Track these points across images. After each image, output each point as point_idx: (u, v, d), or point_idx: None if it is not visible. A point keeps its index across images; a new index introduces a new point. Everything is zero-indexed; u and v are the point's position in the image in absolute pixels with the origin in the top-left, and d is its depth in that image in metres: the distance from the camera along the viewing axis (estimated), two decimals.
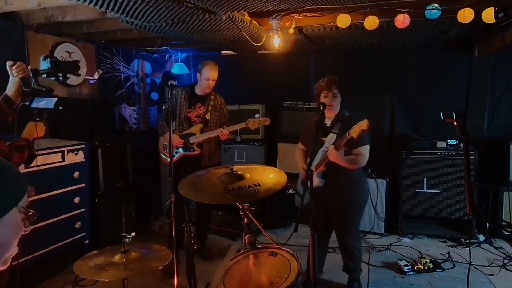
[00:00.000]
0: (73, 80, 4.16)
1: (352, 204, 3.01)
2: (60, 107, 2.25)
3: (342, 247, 3.11)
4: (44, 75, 2.32)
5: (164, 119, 3.70)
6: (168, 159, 3.61)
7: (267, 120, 3.56)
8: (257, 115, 3.60)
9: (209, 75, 3.54)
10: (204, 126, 3.64)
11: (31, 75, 2.25)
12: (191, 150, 3.61)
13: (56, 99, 2.24)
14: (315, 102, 3.11)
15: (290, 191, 3.61)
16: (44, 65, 2.33)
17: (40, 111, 2.21)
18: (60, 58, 3.97)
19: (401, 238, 4.27)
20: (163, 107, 3.87)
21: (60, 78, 2.36)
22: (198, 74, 3.62)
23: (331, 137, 2.88)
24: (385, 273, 3.49)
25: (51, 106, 2.22)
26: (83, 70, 4.29)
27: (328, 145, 2.85)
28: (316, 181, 2.86)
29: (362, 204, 3.07)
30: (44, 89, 2.26)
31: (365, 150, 2.89)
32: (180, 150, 3.62)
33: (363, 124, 2.64)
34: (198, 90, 3.66)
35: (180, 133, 3.60)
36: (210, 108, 3.65)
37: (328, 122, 2.99)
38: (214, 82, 3.61)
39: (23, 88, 2.23)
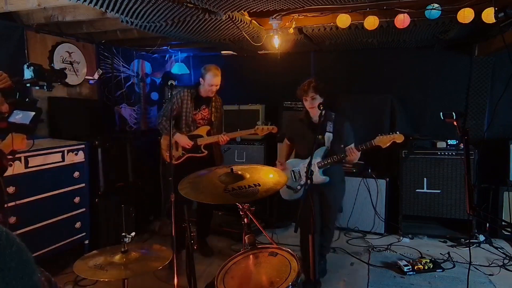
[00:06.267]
0: (73, 80, 4.18)
1: (340, 197, 3.43)
2: (39, 120, 2.12)
3: (323, 231, 3.30)
4: (28, 85, 2.16)
5: (167, 118, 3.68)
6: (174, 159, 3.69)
7: (274, 128, 3.63)
8: (263, 124, 3.68)
9: (212, 81, 3.56)
10: (211, 128, 3.72)
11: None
12: (199, 152, 3.64)
13: (33, 113, 2.10)
14: None
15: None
16: (27, 73, 2.15)
17: (17, 124, 2.09)
18: (60, 58, 4.00)
19: (401, 238, 4.26)
20: (164, 106, 3.87)
21: (44, 87, 2.23)
22: (201, 79, 3.62)
23: (328, 137, 3.08)
24: (385, 273, 3.48)
25: (27, 122, 2.10)
26: (83, 70, 4.30)
27: (328, 144, 3.06)
28: (321, 178, 3.06)
29: (343, 196, 3.52)
30: (27, 99, 2.14)
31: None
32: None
33: (397, 138, 2.88)
34: (202, 93, 3.67)
35: (187, 134, 3.65)
36: (213, 110, 3.75)
37: (315, 120, 3.14)
38: (218, 87, 3.64)
39: (5, 100, 2.09)
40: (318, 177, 3.03)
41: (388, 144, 2.91)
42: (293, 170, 3.25)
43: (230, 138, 3.64)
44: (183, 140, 3.61)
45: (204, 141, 3.64)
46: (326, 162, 3.04)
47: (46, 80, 2.18)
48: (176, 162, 3.64)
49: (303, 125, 3.21)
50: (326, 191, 3.14)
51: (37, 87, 2.20)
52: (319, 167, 3.05)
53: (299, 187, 3.18)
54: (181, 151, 3.67)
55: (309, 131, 3.11)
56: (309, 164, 2.43)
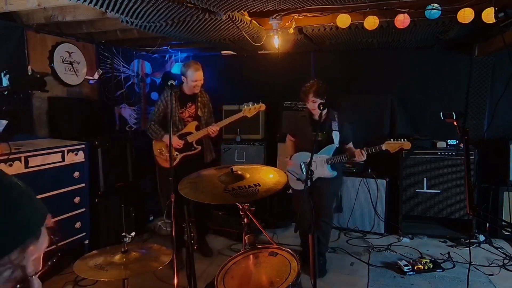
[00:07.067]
0: (73, 80, 4.18)
1: (337, 190, 3.74)
2: (10, 129, 2.11)
3: (319, 224, 3.37)
4: (5, 92, 2.15)
5: (156, 122, 3.65)
6: (167, 161, 3.60)
7: (262, 106, 3.59)
8: (250, 103, 3.60)
9: (195, 77, 3.52)
10: (198, 123, 3.68)
11: None
12: (192, 149, 3.62)
13: (6, 122, 2.10)
14: None
15: (290, 191, 3.65)
16: (4, 81, 2.13)
17: None
18: (60, 58, 4.00)
19: (401, 238, 4.26)
20: (154, 109, 3.80)
21: (21, 95, 2.20)
22: (183, 77, 3.59)
23: (335, 135, 3.28)
24: (385, 273, 3.48)
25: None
26: (83, 70, 4.30)
27: (337, 142, 3.30)
28: (329, 173, 3.29)
29: (340, 188, 3.86)
30: (4, 108, 2.13)
31: None
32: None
33: (405, 145, 3.13)
34: (186, 91, 3.65)
35: (175, 134, 3.58)
36: (199, 105, 3.71)
37: (317, 118, 3.24)
38: (202, 81, 3.59)
39: None
40: (327, 172, 3.26)
41: (396, 150, 3.12)
42: (303, 163, 3.40)
43: (219, 127, 3.58)
44: (172, 141, 3.57)
45: (194, 137, 3.60)
46: (335, 159, 3.25)
47: (23, 88, 2.14)
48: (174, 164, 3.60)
49: (306, 122, 3.38)
50: (324, 184, 3.31)
51: (15, 96, 2.16)
52: (328, 163, 3.25)
53: (303, 178, 3.32)
54: (174, 152, 3.58)
55: (312, 129, 3.28)
56: (309, 164, 2.43)
